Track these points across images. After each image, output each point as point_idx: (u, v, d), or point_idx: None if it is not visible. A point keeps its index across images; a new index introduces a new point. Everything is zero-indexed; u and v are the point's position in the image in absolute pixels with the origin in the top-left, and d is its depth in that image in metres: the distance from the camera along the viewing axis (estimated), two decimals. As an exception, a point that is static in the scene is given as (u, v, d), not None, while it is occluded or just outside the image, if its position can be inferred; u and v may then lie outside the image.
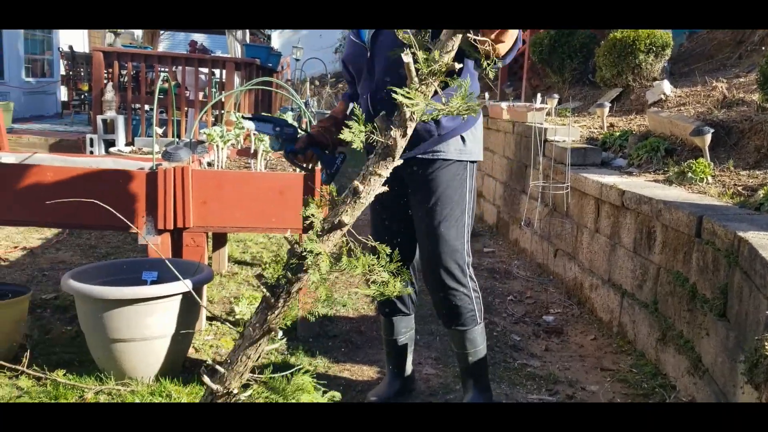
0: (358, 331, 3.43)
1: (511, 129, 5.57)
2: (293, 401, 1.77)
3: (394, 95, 1.56)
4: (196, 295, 2.56)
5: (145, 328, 2.64)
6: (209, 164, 3.71)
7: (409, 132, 1.59)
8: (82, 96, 10.91)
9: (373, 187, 1.59)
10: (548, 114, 5.67)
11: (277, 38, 19.50)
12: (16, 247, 4.71)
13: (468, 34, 1.59)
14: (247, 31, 13.72)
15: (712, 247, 2.61)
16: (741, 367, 2.12)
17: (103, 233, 5.08)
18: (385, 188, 1.64)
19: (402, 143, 1.58)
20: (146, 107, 7.91)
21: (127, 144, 7.44)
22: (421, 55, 1.50)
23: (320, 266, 1.57)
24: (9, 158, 3.55)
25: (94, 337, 2.73)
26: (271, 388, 1.71)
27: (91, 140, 7.40)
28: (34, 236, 5.00)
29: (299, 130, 2.28)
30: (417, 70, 1.53)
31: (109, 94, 7.48)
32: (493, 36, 1.68)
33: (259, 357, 1.65)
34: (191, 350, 3.02)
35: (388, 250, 1.70)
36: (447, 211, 2.28)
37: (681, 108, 4.96)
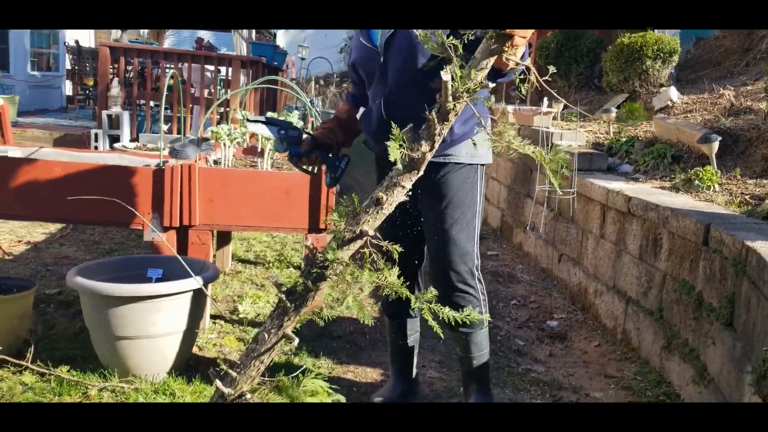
0: (361, 333, 3.42)
1: (516, 132, 5.56)
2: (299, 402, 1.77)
3: (428, 113, 1.57)
4: (207, 292, 2.56)
5: (150, 326, 2.63)
6: (216, 162, 3.71)
7: (436, 146, 1.60)
8: (87, 91, 10.92)
9: (396, 198, 1.61)
10: (554, 118, 5.66)
11: (283, 36, 19.48)
12: (20, 241, 4.71)
13: (502, 51, 1.61)
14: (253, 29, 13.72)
15: (719, 256, 2.60)
16: (748, 377, 2.12)
17: (107, 229, 5.08)
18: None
19: (429, 157, 1.60)
20: (151, 103, 7.92)
21: (132, 140, 7.45)
22: (458, 72, 1.51)
23: (342, 276, 1.57)
24: (15, 152, 3.55)
25: (98, 334, 2.73)
26: (281, 390, 1.70)
27: (96, 135, 7.41)
28: (38, 230, 5.00)
29: (304, 133, 2.27)
30: (452, 87, 1.54)
31: (115, 89, 7.49)
32: (518, 51, 1.69)
33: (271, 361, 1.65)
34: (194, 348, 3.01)
35: (399, 250, 1.69)
36: (458, 214, 2.28)
37: (687, 115, 4.95)
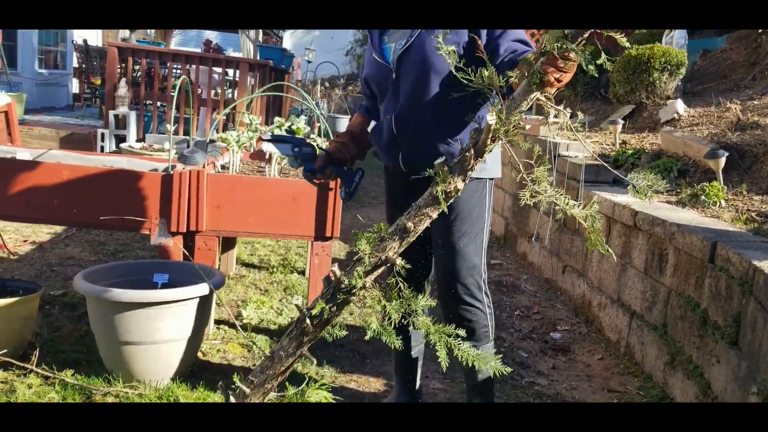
0: (365, 341, 3.42)
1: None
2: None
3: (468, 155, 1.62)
4: (214, 300, 2.56)
5: (155, 332, 2.64)
6: (223, 167, 3.72)
7: (467, 181, 1.65)
8: (94, 90, 10.94)
9: (422, 227, 1.63)
10: (560, 128, 5.66)
11: (289, 38, 19.51)
12: (25, 241, 4.72)
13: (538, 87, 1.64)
14: (260, 30, 13.74)
15: (725, 274, 2.60)
16: (753, 398, 2.12)
17: (112, 230, 5.09)
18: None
19: (460, 187, 1.62)
20: (158, 104, 7.93)
21: (138, 140, 7.45)
22: (503, 115, 1.55)
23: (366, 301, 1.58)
24: (24, 154, 3.56)
25: (103, 339, 2.74)
26: (287, 402, 1.71)
27: (103, 135, 7.42)
28: (43, 230, 5.01)
29: (317, 149, 2.28)
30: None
31: (122, 89, 7.50)
32: (555, 88, 1.73)
33: (283, 378, 1.65)
34: (198, 354, 3.02)
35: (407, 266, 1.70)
36: (466, 227, 2.28)
37: (694, 128, 4.95)
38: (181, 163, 3.22)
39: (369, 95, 2.45)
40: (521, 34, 2.11)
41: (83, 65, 10.97)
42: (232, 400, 1.63)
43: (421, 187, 1.81)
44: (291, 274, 4.46)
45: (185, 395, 2.65)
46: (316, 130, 5.00)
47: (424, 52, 2.14)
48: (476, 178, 2.30)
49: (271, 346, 3.21)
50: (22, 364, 2.70)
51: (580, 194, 3.98)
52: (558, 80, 1.67)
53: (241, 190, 3.20)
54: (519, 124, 1.61)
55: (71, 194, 3.07)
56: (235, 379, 1.66)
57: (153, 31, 14.34)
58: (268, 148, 2.25)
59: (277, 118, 3.99)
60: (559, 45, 1.57)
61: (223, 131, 4.40)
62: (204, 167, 3.25)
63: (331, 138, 2.61)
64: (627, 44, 1.65)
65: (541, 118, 5.63)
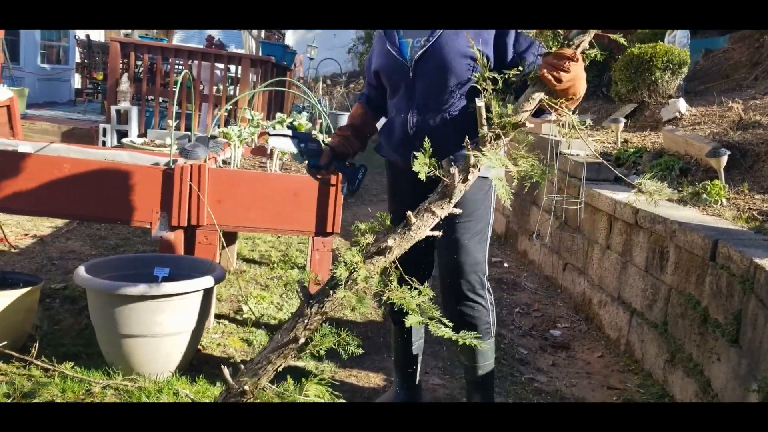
0: (365, 337, 3.43)
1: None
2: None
3: (470, 151, 1.63)
4: (214, 294, 2.56)
5: (156, 326, 2.64)
6: (225, 162, 3.72)
7: (471, 178, 1.65)
8: (96, 85, 10.94)
9: (426, 223, 1.63)
10: (562, 127, 5.65)
11: (291, 35, 19.50)
12: (26, 235, 4.73)
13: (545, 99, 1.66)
14: (263, 27, 13.73)
15: (726, 272, 2.60)
16: (754, 396, 2.12)
17: (113, 224, 5.09)
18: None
19: (462, 188, 1.62)
20: (160, 99, 7.93)
21: (140, 135, 7.46)
22: (495, 105, 1.56)
23: (357, 281, 1.58)
24: (26, 147, 3.57)
25: (104, 332, 2.74)
26: (285, 398, 1.71)
27: (104, 130, 7.42)
28: (44, 224, 5.02)
29: (322, 144, 2.28)
30: (488, 119, 1.58)
31: (124, 84, 7.50)
32: (569, 104, 1.75)
33: (281, 365, 1.65)
34: (199, 347, 3.02)
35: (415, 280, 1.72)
36: (470, 223, 2.28)
37: (696, 127, 4.95)
38: (183, 157, 3.22)
39: (376, 86, 2.43)
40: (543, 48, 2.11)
41: (86, 60, 10.99)
42: (228, 375, 1.63)
43: (429, 186, 1.80)
44: (292, 270, 4.46)
45: (185, 388, 2.64)
46: (318, 127, 5.00)
47: (444, 54, 2.13)
48: (481, 176, 2.30)
49: (271, 341, 3.22)
50: (22, 357, 2.71)
51: (581, 191, 3.98)
52: (557, 79, 1.68)
53: (242, 185, 3.21)
54: (521, 122, 1.61)
55: (72, 188, 3.07)
56: (236, 362, 1.66)
57: (155, 27, 14.34)
58: (274, 142, 2.24)
59: (278, 114, 3.98)
60: (551, 44, 1.58)
61: (225, 127, 4.39)
62: (205, 162, 3.25)
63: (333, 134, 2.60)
64: (624, 42, 1.67)
65: (542, 116, 5.61)
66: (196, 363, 2.92)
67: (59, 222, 5.07)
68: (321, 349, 1.73)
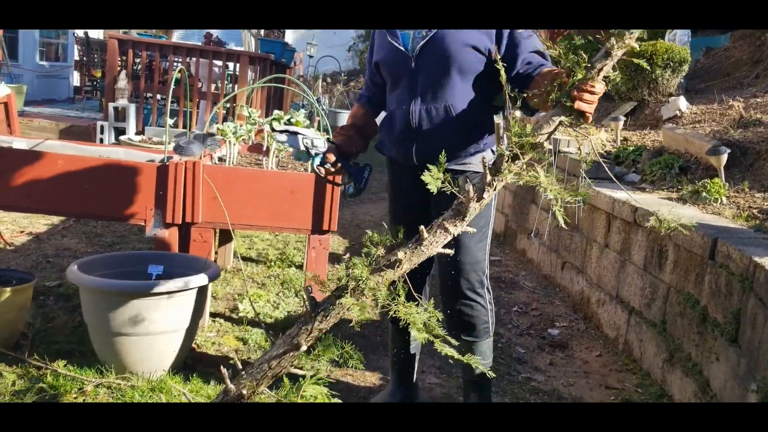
0: (361, 336, 3.40)
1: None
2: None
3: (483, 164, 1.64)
4: (209, 292, 2.54)
5: (149, 324, 2.61)
6: (220, 159, 3.69)
7: (486, 197, 1.65)
8: (95, 82, 10.91)
9: (438, 240, 1.61)
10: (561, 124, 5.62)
11: (291, 33, 19.46)
12: (22, 232, 4.70)
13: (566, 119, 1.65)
14: (262, 25, 13.69)
15: (726, 271, 2.57)
16: (753, 396, 2.09)
17: (109, 222, 5.06)
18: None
19: (476, 207, 1.60)
20: (158, 97, 7.90)
21: (137, 132, 7.43)
22: (515, 125, 1.54)
23: (364, 292, 1.56)
24: (21, 144, 3.54)
25: (97, 330, 2.71)
26: (285, 403, 1.69)
27: (102, 127, 7.39)
28: (40, 221, 4.99)
29: (328, 142, 2.24)
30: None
31: (122, 82, 7.47)
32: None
33: (281, 372, 1.63)
34: (193, 346, 2.99)
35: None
36: (472, 223, 2.25)
37: (696, 125, 4.92)
38: (177, 154, 3.19)
39: (376, 82, 2.40)
40: (538, 44, 2.08)
41: (84, 58, 10.95)
42: (227, 379, 1.61)
43: None
44: (289, 269, 4.43)
45: (180, 387, 2.62)
46: (315, 125, 4.97)
47: (447, 44, 2.10)
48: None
49: (267, 340, 3.19)
50: (14, 354, 2.68)
51: (579, 189, 3.94)
52: (589, 109, 1.70)
53: (238, 182, 3.18)
54: (540, 144, 1.61)
55: (66, 184, 3.04)
56: (236, 362, 1.63)
57: (155, 24, 14.30)
58: (280, 139, 2.21)
59: (276, 111, 3.96)
60: (577, 70, 1.58)
61: (222, 123, 4.36)
62: (200, 158, 3.23)
63: (331, 132, 2.57)
64: (647, 66, 1.70)
65: (542, 115, 5.59)
66: (191, 362, 2.90)
67: (55, 219, 5.04)
68: (322, 359, 1.71)
